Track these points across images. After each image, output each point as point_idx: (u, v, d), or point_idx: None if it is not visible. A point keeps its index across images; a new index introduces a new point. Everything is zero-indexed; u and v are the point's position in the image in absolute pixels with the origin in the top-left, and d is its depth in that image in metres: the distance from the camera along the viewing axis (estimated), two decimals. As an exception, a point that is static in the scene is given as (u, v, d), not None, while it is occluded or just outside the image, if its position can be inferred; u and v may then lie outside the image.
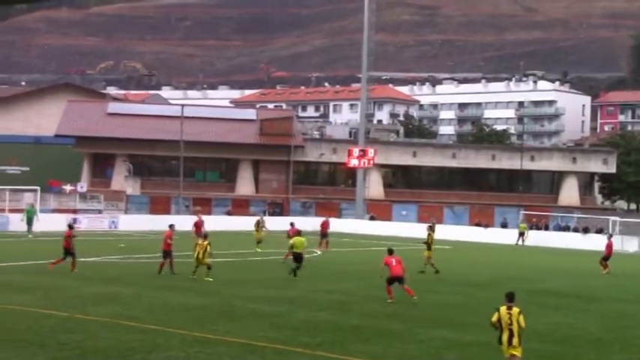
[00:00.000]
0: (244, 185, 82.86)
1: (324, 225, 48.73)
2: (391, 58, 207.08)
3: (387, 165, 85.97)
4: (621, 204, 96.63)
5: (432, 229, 37.95)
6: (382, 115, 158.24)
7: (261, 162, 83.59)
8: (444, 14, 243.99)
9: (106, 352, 17.20)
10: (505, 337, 15.43)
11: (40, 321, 20.46)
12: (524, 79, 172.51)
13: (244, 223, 67.23)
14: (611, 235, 47.66)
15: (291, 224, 41.39)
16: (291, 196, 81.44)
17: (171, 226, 32.85)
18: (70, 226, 33.13)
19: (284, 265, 34.49)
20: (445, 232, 63.04)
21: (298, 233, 33.37)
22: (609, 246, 41.59)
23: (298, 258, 31.48)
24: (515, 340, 15.41)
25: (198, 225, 44.46)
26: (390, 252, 27.11)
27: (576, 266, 39.76)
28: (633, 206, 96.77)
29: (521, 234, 62.86)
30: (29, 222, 52.69)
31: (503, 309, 15.56)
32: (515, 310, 15.57)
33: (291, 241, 32.69)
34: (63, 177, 73.99)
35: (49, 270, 31.05)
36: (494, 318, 15.60)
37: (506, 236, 64.05)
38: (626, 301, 29.55)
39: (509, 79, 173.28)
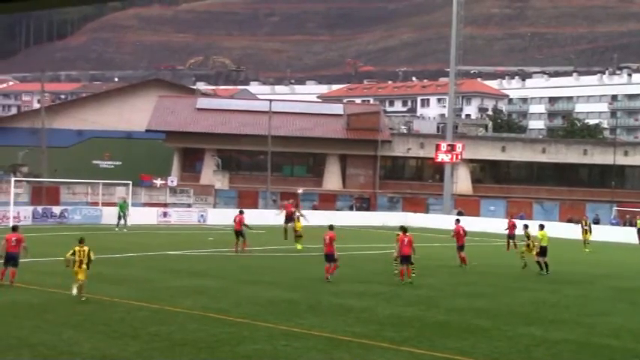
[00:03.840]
0: (331, 180, 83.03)
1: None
2: (480, 51, 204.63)
3: (475, 160, 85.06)
4: None
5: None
6: (470, 109, 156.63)
7: (348, 157, 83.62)
8: (534, 6, 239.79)
9: (194, 343, 17.44)
10: None
11: (131, 312, 20.90)
12: (618, 71, 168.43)
13: (330, 218, 67.69)
14: None
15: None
16: (378, 191, 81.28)
17: (241, 211, 38.88)
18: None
19: (375, 261, 34.44)
20: (534, 228, 62.00)
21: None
22: None
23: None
24: None
25: (288, 209, 43.73)
26: (404, 231, 28.98)
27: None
28: None
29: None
30: (122, 215, 53.79)
31: None
32: None
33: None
34: (154, 171, 75.50)
35: (142, 263, 31.68)
36: None
37: (598, 233, 62.54)
38: None
39: (602, 72, 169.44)
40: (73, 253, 23.60)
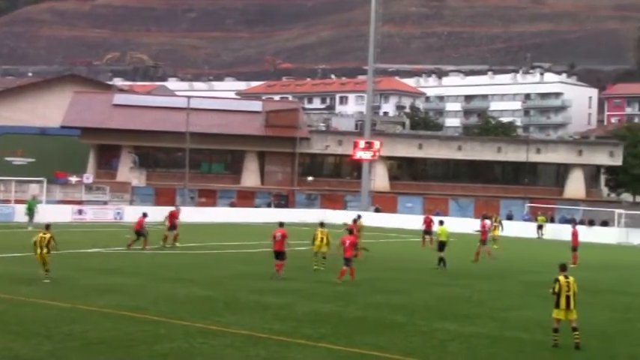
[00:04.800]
0: (249, 177, 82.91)
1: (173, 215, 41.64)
2: (398, 50, 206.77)
3: (392, 157, 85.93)
4: (627, 196, 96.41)
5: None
6: (388, 107, 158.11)
7: (266, 154, 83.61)
8: (450, 6, 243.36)
9: (110, 342, 17.24)
10: (563, 302, 18.26)
11: (45, 311, 20.54)
12: (531, 71, 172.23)
13: (249, 215, 67.65)
14: (575, 223, 47.69)
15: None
16: (296, 188, 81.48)
17: (144, 214, 39.35)
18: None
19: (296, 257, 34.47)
20: (450, 224, 63.04)
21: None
22: (575, 234, 40.92)
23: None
24: (572, 305, 18.28)
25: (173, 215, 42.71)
26: (350, 232, 29.79)
27: (582, 259, 39.66)
28: (639, 199, 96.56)
29: (540, 227, 62.57)
30: (30, 213, 52.86)
31: (562, 278, 18.41)
32: (572, 278, 18.50)
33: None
34: (69, 168, 74.19)
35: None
36: (556, 287, 18.35)
37: (512, 229, 63.89)
38: (632, 294, 29.54)
39: (516, 72, 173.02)
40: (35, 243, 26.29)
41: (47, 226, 27.27)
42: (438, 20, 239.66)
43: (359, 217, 42.74)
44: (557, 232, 60.93)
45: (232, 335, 18.33)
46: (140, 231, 38.32)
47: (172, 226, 40.28)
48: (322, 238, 32.17)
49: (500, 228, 52.64)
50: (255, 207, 74.77)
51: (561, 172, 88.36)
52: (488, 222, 45.38)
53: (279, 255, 28.99)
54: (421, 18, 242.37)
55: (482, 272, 34.34)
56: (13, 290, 23.61)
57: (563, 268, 18.82)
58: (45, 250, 26.12)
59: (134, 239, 38.31)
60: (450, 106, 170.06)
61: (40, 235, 26.59)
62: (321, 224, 33.37)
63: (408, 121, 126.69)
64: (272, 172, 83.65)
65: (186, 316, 20.41)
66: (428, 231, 46.78)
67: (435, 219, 44.63)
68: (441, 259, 34.50)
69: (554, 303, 18.49)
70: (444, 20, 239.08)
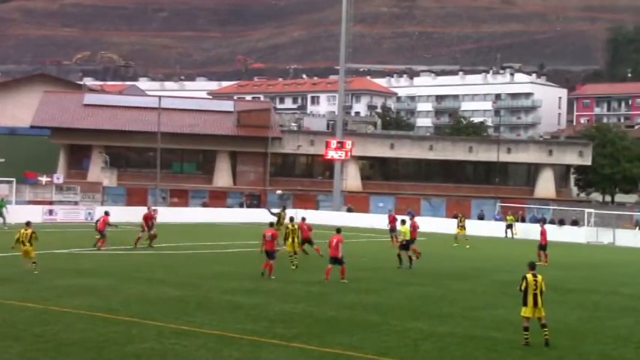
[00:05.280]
0: (222, 177, 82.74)
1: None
2: (369, 50, 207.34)
3: (364, 157, 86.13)
4: (596, 196, 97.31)
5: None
6: (360, 107, 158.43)
7: (238, 154, 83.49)
8: (421, 6, 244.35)
9: (82, 343, 17.12)
10: (531, 300, 18.39)
11: (14, 313, 20.34)
12: (501, 71, 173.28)
13: (221, 215, 67.49)
14: (544, 222, 48.17)
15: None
16: (268, 187, 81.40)
17: (107, 212, 40.33)
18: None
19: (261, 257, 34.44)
20: (421, 224, 63.24)
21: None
22: (543, 233, 41.44)
23: None
24: (539, 302, 18.42)
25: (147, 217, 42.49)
26: (338, 231, 30.01)
27: (551, 258, 39.97)
28: (608, 198, 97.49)
29: (509, 226, 62.90)
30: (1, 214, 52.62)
31: (529, 276, 18.56)
32: (540, 277, 18.65)
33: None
34: (39, 168, 73.53)
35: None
36: (523, 284, 18.50)
37: (482, 228, 64.26)
38: (601, 292, 29.78)
39: (487, 72, 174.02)
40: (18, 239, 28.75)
41: (28, 223, 29.92)
42: (409, 20, 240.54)
43: (403, 222, 41.46)
44: (528, 231, 61.34)
45: (205, 335, 18.29)
46: (102, 231, 38.33)
47: (147, 228, 40.02)
48: (294, 237, 33.02)
49: (464, 228, 52.81)
50: (228, 207, 74.57)
51: (532, 171, 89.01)
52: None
53: (270, 255, 29.09)
54: (392, 18, 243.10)
55: (454, 272, 34.50)
56: (-17, 292, 23.37)
57: (531, 266, 19.04)
58: (29, 245, 28.65)
59: (98, 238, 38.28)
60: (422, 106, 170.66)
61: (22, 231, 29.07)
62: (291, 219, 35.46)
63: (379, 121, 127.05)
64: (244, 172, 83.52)
65: (159, 316, 20.32)
66: (393, 228, 46.90)
67: (404, 218, 44.48)
68: (410, 258, 34.73)
69: (521, 301, 18.61)
70: (415, 20, 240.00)
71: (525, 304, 18.45)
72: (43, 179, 70.26)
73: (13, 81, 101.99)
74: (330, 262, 29.20)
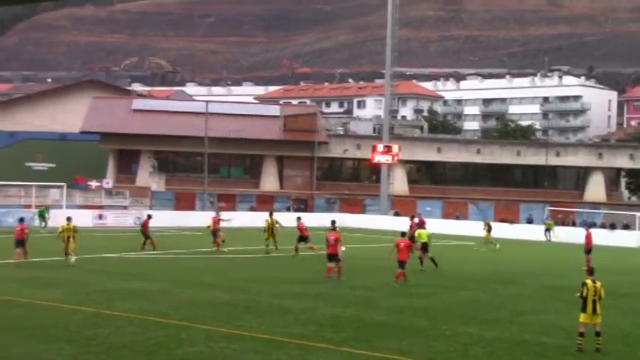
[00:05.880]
0: (269, 181, 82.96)
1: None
2: (415, 53, 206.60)
3: (411, 161, 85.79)
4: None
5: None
6: (406, 110, 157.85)
7: (285, 158, 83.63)
8: (468, 10, 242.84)
9: (132, 347, 17.28)
10: (590, 306, 18.22)
11: (67, 316, 20.61)
12: (550, 74, 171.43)
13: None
14: (590, 226, 47.54)
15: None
16: (315, 192, 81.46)
17: (149, 216, 42.71)
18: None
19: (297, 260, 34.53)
20: (470, 228, 63.01)
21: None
22: (588, 237, 40.73)
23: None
24: (598, 309, 18.26)
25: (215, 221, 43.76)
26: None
27: (603, 262, 39.38)
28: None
29: (548, 230, 62.46)
30: (43, 219, 54.03)
31: (589, 282, 18.36)
32: (599, 283, 18.46)
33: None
34: (89, 173, 74.47)
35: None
36: (584, 291, 18.27)
37: (531, 232, 63.68)
38: (654, 297, 29.32)
39: (534, 75, 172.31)
40: (62, 231, 32.78)
41: (69, 218, 33.89)
42: (456, 24, 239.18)
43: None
44: (575, 235, 60.65)
45: (253, 339, 18.35)
46: (146, 232, 40.02)
47: (214, 231, 41.67)
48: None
49: (489, 231, 53.04)
50: (275, 211, 74.71)
51: (581, 175, 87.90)
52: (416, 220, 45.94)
53: (333, 257, 29.27)
54: (438, 22, 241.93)
55: (501, 276, 34.20)
56: (34, 294, 23.72)
57: (590, 272, 18.91)
58: (71, 239, 32.54)
59: (144, 241, 39.66)
60: (469, 110, 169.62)
61: (64, 225, 33.04)
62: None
63: (426, 125, 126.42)
64: (291, 177, 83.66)
65: (208, 320, 20.43)
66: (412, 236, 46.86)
67: (457, 222, 44.49)
68: (431, 259, 35.09)
69: (580, 307, 18.37)
70: (462, 24, 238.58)
71: (584, 310, 18.26)
72: (93, 184, 71.13)
73: (64, 87, 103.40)
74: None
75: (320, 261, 33.85)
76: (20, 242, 32.69)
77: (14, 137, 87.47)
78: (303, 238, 39.62)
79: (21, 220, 34.69)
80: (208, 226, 42.76)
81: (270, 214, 41.68)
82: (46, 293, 24.16)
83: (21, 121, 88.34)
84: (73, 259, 32.47)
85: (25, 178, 68.16)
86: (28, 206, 60.23)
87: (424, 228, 40.30)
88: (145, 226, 40.75)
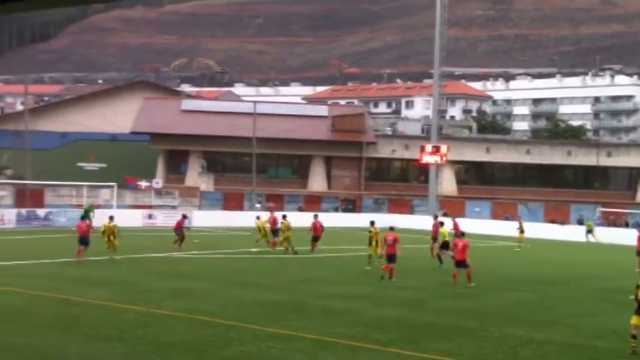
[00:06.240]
0: (317, 181, 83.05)
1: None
2: (464, 53, 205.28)
3: (460, 161, 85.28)
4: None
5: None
6: (455, 111, 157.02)
7: (333, 158, 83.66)
8: (517, 8, 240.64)
9: (181, 346, 17.41)
10: None
11: (118, 315, 20.84)
12: (601, 73, 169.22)
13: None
14: None
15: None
16: (363, 192, 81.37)
17: (184, 215, 43.83)
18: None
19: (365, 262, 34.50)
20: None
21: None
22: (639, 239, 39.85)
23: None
24: None
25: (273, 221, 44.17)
26: (462, 234, 30.63)
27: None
28: None
29: (589, 231, 61.57)
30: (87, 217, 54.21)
31: None
32: None
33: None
34: (138, 173, 75.25)
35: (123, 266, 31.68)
36: (638, 293, 17.83)
37: (582, 234, 62.89)
38: None
39: (585, 74, 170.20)
40: (105, 230, 34.64)
41: (111, 217, 36.01)
42: (505, 23, 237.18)
43: (284, 216, 42.79)
44: (627, 236, 59.70)
45: (301, 339, 18.37)
46: (178, 231, 41.00)
47: (273, 231, 42.13)
48: (376, 241, 33.65)
49: (522, 232, 52.47)
50: (323, 211, 74.82)
51: (633, 176, 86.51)
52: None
53: (391, 258, 29.43)
54: (487, 21, 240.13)
55: (549, 277, 33.83)
56: (86, 293, 24.03)
57: None
58: (112, 237, 34.50)
59: (176, 240, 40.55)
60: (518, 110, 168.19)
61: (106, 224, 35.09)
62: (372, 223, 34.68)
63: (475, 125, 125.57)
64: (339, 177, 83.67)
65: (255, 320, 20.51)
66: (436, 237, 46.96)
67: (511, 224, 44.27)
68: (439, 256, 35.33)
69: (634, 309, 18.00)
70: (511, 23, 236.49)
71: (638, 313, 17.89)
72: (143, 184, 71.85)
73: (114, 88, 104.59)
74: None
75: (362, 261, 33.77)
76: (84, 239, 33.64)
77: (66, 138, 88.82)
78: (315, 238, 40.25)
79: (83, 217, 36.01)
80: (263, 225, 42.63)
81: (284, 217, 41.71)
82: (98, 292, 24.46)
83: (72, 122, 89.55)
84: (116, 256, 34.02)
85: (76, 178, 69.10)
86: (80, 206, 60.98)
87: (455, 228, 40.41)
88: (179, 225, 41.43)
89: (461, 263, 29.22)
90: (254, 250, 40.17)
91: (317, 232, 40.52)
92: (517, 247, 49.29)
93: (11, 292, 24.14)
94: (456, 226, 39.62)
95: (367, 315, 22.08)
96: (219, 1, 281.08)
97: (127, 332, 18.58)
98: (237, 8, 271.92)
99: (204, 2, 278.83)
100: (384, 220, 57.65)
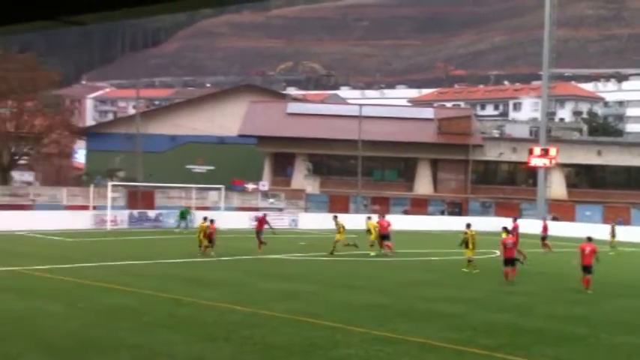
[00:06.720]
0: (422, 184, 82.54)
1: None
2: (574, 54, 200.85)
3: (569, 164, 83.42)
4: None
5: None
6: (564, 113, 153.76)
7: (439, 161, 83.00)
8: (631, 7, 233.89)
9: (288, 347, 17.50)
10: None
11: (225, 315, 21.11)
12: None
13: (422, 223, 67.35)
14: None
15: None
16: (470, 195, 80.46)
17: (212, 221, 39.78)
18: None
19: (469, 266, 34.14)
20: (633, 233, 60.74)
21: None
22: None
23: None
24: None
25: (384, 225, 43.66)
26: (589, 239, 29.40)
27: None
28: None
29: None
30: (184, 219, 55.33)
31: None
32: None
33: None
34: (245, 176, 76.29)
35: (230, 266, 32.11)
36: None
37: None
38: None
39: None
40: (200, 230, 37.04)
41: (205, 218, 38.43)
42: (618, 22, 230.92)
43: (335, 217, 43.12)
44: None
45: (408, 343, 18.24)
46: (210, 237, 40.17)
47: (383, 236, 40.85)
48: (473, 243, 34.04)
49: (614, 236, 52.43)
50: (429, 215, 74.33)
51: None
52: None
53: (511, 262, 29.76)
54: (599, 20, 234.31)
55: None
56: (196, 294, 24.43)
57: None
58: (206, 238, 36.55)
59: (260, 243, 40.23)
60: (631, 112, 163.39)
61: (202, 224, 37.65)
62: (468, 225, 35.13)
63: (585, 127, 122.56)
64: (445, 180, 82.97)
65: (362, 323, 20.46)
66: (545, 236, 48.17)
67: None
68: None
69: None
70: (624, 22, 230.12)
71: None
72: (250, 186, 72.73)
73: (222, 92, 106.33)
74: (582, 270, 28.67)
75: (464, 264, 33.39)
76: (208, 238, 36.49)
77: (175, 141, 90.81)
78: (384, 236, 40.34)
79: (212, 220, 37.60)
80: (374, 228, 41.76)
81: (335, 217, 42.21)
82: (206, 293, 24.84)
83: (181, 125, 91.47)
84: (212, 252, 36.30)
85: (185, 180, 70.46)
86: (189, 208, 62.15)
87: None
88: (261, 224, 41.59)
89: (587, 268, 28.46)
90: (372, 254, 40.16)
91: (384, 230, 40.54)
92: (610, 251, 48.12)
93: (126, 292, 24.76)
94: (514, 229, 38.00)
95: (475, 319, 21.78)
96: (326, 4, 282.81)
97: (234, 332, 18.79)
98: (343, 12, 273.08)
99: (310, 6, 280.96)
100: (492, 223, 56.85)
